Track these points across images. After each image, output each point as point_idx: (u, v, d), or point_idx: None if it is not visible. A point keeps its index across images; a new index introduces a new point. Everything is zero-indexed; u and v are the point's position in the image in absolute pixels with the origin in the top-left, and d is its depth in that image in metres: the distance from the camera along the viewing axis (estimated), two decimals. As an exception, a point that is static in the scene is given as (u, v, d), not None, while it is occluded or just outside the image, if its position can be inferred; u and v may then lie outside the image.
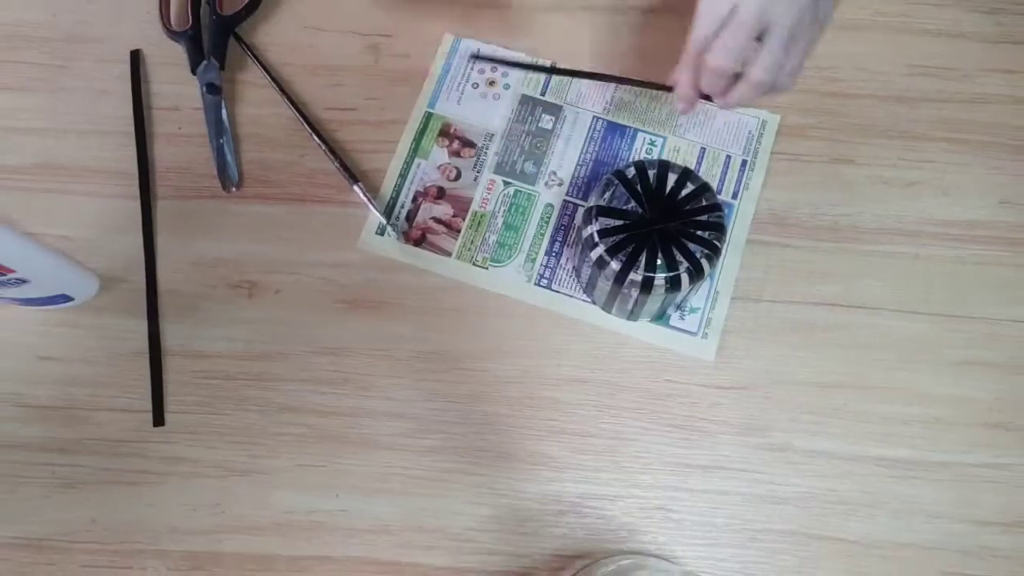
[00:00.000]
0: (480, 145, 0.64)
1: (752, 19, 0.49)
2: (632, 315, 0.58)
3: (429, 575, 0.55)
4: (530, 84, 0.65)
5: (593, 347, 0.59)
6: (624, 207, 0.54)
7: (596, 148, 0.63)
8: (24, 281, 0.54)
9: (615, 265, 0.53)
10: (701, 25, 0.50)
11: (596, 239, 0.53)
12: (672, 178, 0.55)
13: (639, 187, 0.55)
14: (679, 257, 0.53)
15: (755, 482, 0.56)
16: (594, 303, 0.59)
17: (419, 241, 0.61)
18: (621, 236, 0.53)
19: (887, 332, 0.59)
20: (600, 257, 0.53)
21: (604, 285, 0.55)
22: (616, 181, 0.55)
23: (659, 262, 0.52)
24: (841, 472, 0.56)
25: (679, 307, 0.59)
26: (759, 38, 0.50)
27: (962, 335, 0.58)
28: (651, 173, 0.55)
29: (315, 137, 0.63)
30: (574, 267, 0.60)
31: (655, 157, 0.63)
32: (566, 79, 0.64)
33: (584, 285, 0.59)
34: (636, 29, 0.66)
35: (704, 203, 0.54)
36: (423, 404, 0.58)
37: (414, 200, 0.63)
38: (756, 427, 0.57)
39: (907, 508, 0.55)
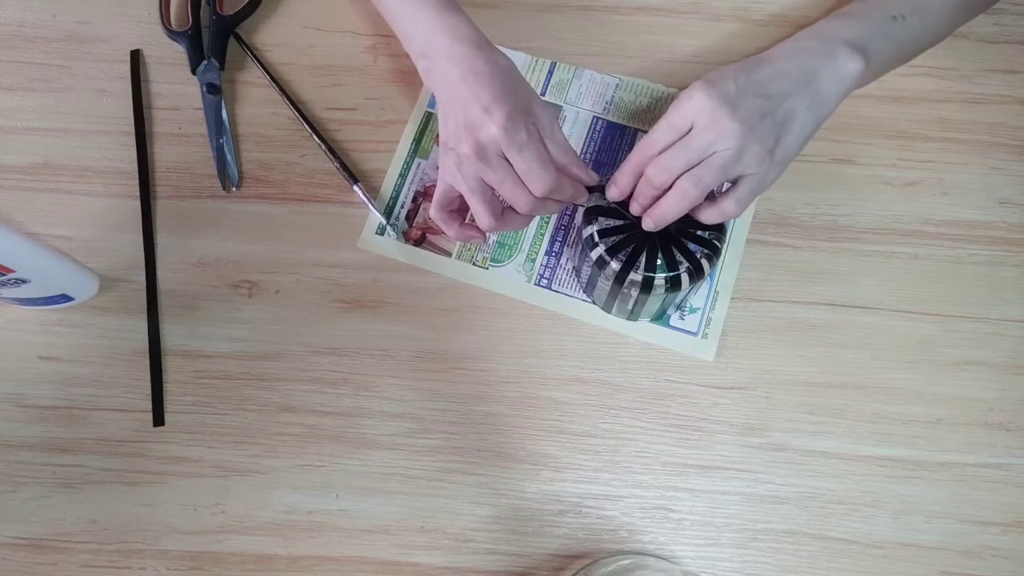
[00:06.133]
0: (480, 145, 0.63)
1: (702, 145, 0.49)
2: (632, 315, 0.58)
3: (429, 575, 0.55)
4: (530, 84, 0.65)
5: (593, 347, 0.59)
6: (624, 207, 0.54)
7: (596, 148, 0.63)
8: (24, 281, 0.54)
9: (615, 265, 0.53)
10: (656, 134, 0.50)
11: (596, 239, 0.53)
12: (672, 178, 0.55)
13: (639, 187, 0.55)
14: (679, 257, 0.53)
15: (755, 482, 0.56)
16: (594, 303, 0.59)
17: (419, 241, 0.61)
18: (621, 236, 0.53)
19: (886, 332, 0.59)
20: (600, 257, 0.53)
21: (604, 285, 0.55)
22: (616, 181, 0.55)
23: (659, 262, 0.52)
24: (841, 472, 0.56)
25: (679, 307, 0.59)
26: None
27: (962, 335, 0.58)
28: (651, 173, 0.55)
29: (315, 137, 0.63)
30: (574, 267, 0.60)
31: (655, 157, 0.63)
32: (567, 77, 0.64)
33: (584, 285, 0.59)
34: (635, 29, 0.66)
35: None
36: (423, 404, 0.58)
37: (414, 200, 0.63)
38: (756, 427, 0.57)
39: (907, 508, 0.55)
